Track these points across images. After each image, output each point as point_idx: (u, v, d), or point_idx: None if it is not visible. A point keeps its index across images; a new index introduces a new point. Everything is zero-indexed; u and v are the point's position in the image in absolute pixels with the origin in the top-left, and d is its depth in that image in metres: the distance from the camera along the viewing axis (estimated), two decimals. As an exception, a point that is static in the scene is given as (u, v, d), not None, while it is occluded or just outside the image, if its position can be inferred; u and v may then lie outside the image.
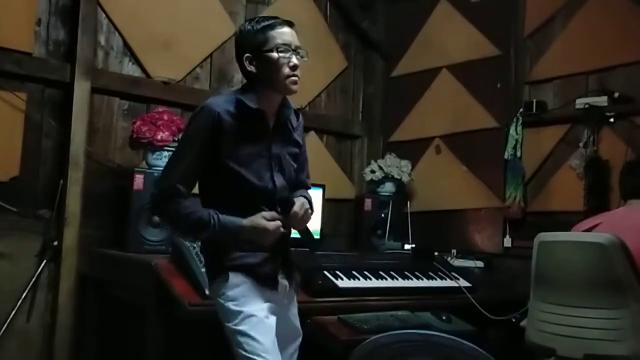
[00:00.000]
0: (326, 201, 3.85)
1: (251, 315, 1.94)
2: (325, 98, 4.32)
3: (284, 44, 1.97)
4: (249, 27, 2.01)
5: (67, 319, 3.10)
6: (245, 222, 1.94)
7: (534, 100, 3.58)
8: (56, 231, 3.12)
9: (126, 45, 3.47)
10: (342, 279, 2.89)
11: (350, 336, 2.54)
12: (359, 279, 2.96)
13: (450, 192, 4.02)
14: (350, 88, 4.48)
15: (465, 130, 3.97)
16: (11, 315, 3.00)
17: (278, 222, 1.96)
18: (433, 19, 4.23)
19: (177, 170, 1.98)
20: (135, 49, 3.48)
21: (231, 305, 1.96)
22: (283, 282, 2.08)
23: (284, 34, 1.98)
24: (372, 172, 4.07)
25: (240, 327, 1.93)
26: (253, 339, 1.91)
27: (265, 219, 1.94)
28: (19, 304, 3.02)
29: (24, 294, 3.04)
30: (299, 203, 2.00)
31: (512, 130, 3.62)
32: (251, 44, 1.99)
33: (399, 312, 2.84)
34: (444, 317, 2.86)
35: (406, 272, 3.17)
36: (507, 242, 3.68)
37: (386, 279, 3.06)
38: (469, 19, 4.00)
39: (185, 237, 2.49)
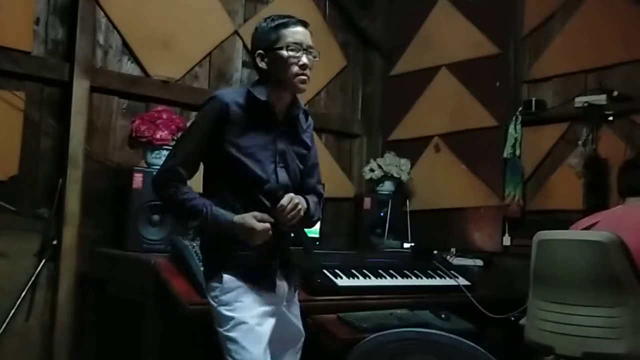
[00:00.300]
0: (325, 200, 3.84)
1: (242, 323, 1.93)
2: (324, 97, 4.32)
3: (295, 43, 1.99)
4: (264, 24, 2.04)
5: (67, 318, 3.10)
6: (236, 218, 1.94)
7: (533, 99, 3.58)
8: (55, 230, 3.12)
9: (125, 44, 3.47)
10: (341, 277, 2.90)
11: (350, 335, 2.54)
12: (358, 278, 2.97)
13: (449, 190, 4.02)
14: (349, 87, 4.48)
15: (465, 129, 3.97)
16: (10, 315, 2.99)
17: (267, 225, 1.94)
18: (432, 18, 4.23)
19: (179, 154, 2.02)
20: (134, 47, 3.48)
21: (223, 310, 1.96)
22: (281, 283, 2.07)
23: (296, 33, 2.01)
24: (372, 170, 4.07)
25: (231, 334, 1.93)
26: (242, 347, 1.91)
27: (255, 219, 1.93)
28: (18, 303, 3.02)
29: (23, 293, 3.04)
30: (287, 197, 1.96)
31: (511, 129, 3.62)
32: (264, 41, 2.02)
33: (398, 311, 2.84)
34: (443, 316, 2.86)
35: (405, 271, 3.18)
36: (506, 240, 3.68)
37: (385, 278, 3.06)
38: (468, 17, 4.01)
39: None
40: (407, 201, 4.02)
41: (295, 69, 1.99)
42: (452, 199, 4.00)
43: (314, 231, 3.57)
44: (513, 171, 3.62)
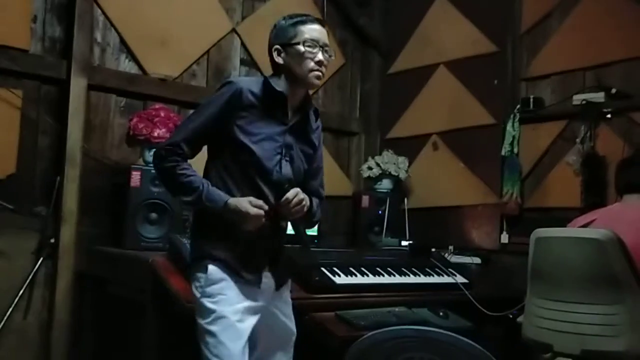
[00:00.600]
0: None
1: (223, 317, 1.93)
2: (322, 95, 4.32)
3: (312, 39, 2.03)
4: (283, 21, 2.09)
5: (64, 316, 3.10)
6: (231, 200, 1.95)
7: (531, 97, 3.59)
8: (53, 228, 3.12)
9: (123, 42, 3.46)
10: (339, 275, 2.89)
11: (348, 332, 2.54)
12: (356, 276, 2.96)
13: (447, 188, 4.02)
14: (347, 85, 4.48)
15: (463, 126, 3.97)
16: (8, 313, 2.99)
17: (261, 211, 1.94)
18: (430, 16, 4.23)
19: (185, 130, 2.03)
20: (132, 45, 3.48)
21: (206, 301, 1.96)
22: (268, 280, 2.06)
23: (313, 30, 2.05)
24: (370, 168, 4.07)
25: (211, 327, 1.93)
26: (220, 342, 1.91)
27: (250, 204, 1.94)
28: (16, 301, 3.02)
29: (21, 292, 3.04)
30: (293, 191, 1.97)
31: (509, 127, 3.62)
32: (282, 37, 2.06)
33: (396, 309, 2.84)
34: (441, 314, 2.86)
35: (403, 269, 3.17)
36: (504, 238, 3.68)
37: (383, 276, 3.06)
38: (466, 15, 4.01)
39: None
40: (405, 199, 4.02)
41: (311, 64, 2.03)
42: (450, 197, 4.00)
43: (312, 229, 3.57)
44: (511, 169, 3.62)
